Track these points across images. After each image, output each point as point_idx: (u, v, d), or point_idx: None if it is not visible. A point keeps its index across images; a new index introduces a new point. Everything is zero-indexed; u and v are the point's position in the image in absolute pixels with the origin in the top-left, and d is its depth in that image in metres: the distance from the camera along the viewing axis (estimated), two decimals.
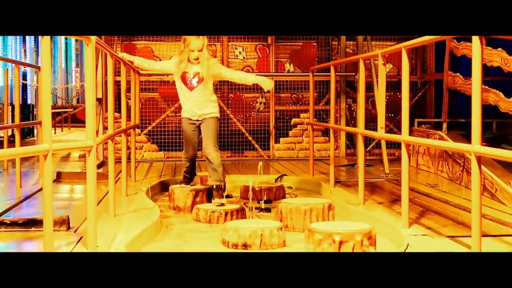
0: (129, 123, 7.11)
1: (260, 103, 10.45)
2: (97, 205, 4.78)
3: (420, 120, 9.31)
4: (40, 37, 3.40)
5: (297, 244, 4.45)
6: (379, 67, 5.40)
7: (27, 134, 13.73)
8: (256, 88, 9.96)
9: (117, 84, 9.21)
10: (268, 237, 4.34)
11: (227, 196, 6.11)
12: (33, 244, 4.24)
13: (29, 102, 16.25)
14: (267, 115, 10.43)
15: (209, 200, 5.91)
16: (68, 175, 7.55)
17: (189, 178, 6.19)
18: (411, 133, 8.02)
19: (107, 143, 5.57)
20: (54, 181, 7.39)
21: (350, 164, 9.03)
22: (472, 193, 3.61)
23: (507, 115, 6.63)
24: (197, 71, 5.76)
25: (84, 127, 4.01)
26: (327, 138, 10.18)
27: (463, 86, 7.60)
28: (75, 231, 4.49)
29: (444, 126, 7.97)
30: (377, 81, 8.05)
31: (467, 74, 7.25)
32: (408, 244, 4.08)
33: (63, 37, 19.83)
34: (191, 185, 6.15)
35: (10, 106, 11.75)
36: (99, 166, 7.90)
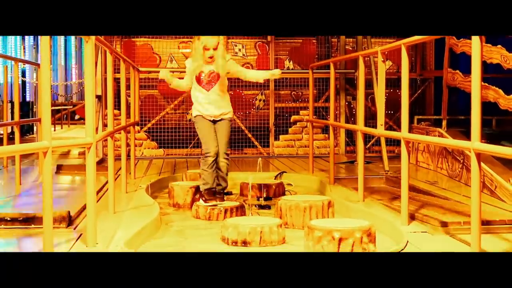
0: (128, 120, 7.11)
1: (260, 100, 10.44)
2: (97, 202, 4.79)
3: (420, 117, 9.30)
4: None
5: (296, 241, 4.46)
6: (378, 64, 5.40)
7: (26, 131, 13.73)
8: (256, 85, 9.96)
9: (116, 81, 9.20)
10: (268, 234, 4.34)
11: (227, 193, 6.09)
12: (33, 241, 4.24)
13: (28, 99, 16.24)
14: (266, 112, 10.43)
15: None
16: (68, 167, 7.70)
17: (211, 188, 5.55)
18: (410, 130, 8.02)
19: (106, 140, 5.57)
20: (55, 173, 7.49)
21: (350, 161, 9.02)
22: (471, 190, 3.61)
23: (507, 112, 6.63)
24: (212, 70, 5.53)
25: (84, 124, 4.01)
26: (326, 135, 10.18)
27: (462, 83, 7.60)
28: (74, 228, 4.50)
29: (444, 123, 7.96)
30: (376, 78, 8.05)
31: (467, 71, 7.23)
32: (407, 241, 4.09)
33: None
34: (218, 200, 5.52)
35: (10, 103, 11.75)
36: (98, 163, 7.91)
